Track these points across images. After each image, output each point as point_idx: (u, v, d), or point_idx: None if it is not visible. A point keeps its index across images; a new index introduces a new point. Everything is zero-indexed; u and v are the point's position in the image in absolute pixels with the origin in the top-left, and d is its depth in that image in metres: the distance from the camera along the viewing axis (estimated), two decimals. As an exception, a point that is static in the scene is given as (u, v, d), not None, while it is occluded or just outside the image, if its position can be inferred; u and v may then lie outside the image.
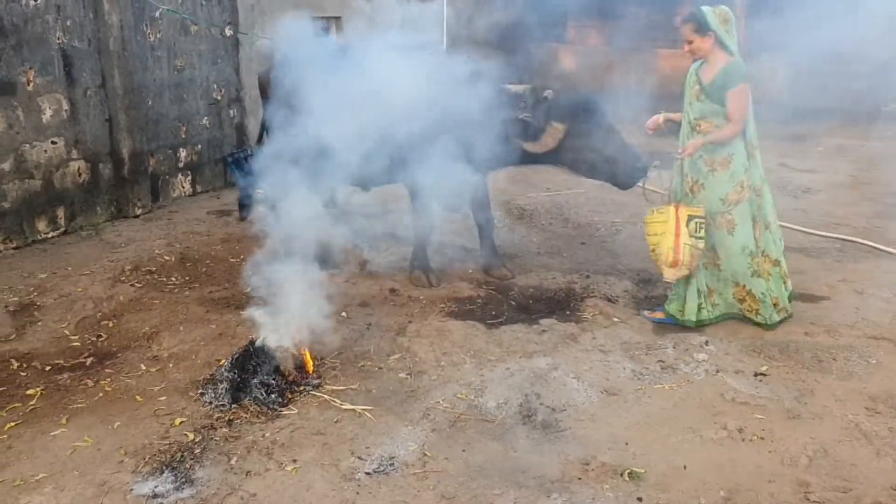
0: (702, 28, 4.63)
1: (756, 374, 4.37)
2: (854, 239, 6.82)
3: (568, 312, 5.26)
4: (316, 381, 4.22)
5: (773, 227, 4.97)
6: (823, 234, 7.03)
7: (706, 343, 4.74)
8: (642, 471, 3.48)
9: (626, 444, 3.70)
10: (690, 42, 4.70)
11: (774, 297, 4.92)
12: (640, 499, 3.29)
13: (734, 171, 4.76)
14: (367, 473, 3.44)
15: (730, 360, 4.55)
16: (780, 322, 4.95)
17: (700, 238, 4.78)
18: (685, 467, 3.51)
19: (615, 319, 5.12)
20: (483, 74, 5.07)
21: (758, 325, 4.92)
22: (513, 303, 5.47)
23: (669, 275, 4.85)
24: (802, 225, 7.28)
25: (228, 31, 8.41)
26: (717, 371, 4.40)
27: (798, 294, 5.52)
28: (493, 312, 5.29)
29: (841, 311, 5.26)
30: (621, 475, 3.46)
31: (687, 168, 4.89)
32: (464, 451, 3.64)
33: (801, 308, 5.30)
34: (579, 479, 3.43)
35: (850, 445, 3.67)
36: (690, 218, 4.77)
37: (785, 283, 5.05)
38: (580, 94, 5.35)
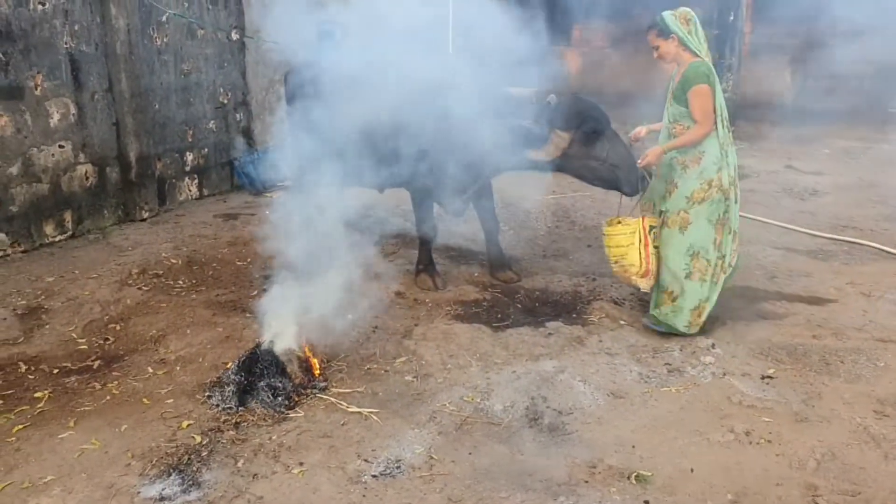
0: (663, 32, 4.66)
1: (763, 377, 4.36)
2: (861, 241, 6.80)
3: (574, 315, 5.26)
4: (322, 384, 4.22)
5: (732, 234, 4.84)
6: (830, 236, 7.01)
7: (713, 346, 4.73)
8: (649, 474, 3.48)
9: (633, 446, 3.69)
10: (657, 48, 4.73)
11: (702, 304, 4.81)
12: (647, 502, 3.28)
13: (704, 168, 4.70)
14: (374, 476, 3.44)
15: (737, 363, 4.54)
16: (685, 332, 4.84)
17: (657, 246, 4.90)
18: (692, 470, 3.50)
19: (622, 322, 5.11)
20: (487, 78, 5.07)
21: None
22: (519, 306, 5.46)
23: (645, 285, 4.93)
24: (809, 227, 7.27)
25: (235, 35, 8.44)
26: (724, 374, 4.39)
27: (805, 297, 5.53)
28: (499, 315, 5.28)
29: (848, 313, 5.25)
30: (628, 478, 3.45)
31: (664, 171, 4.89)
32: (470, 453, 3.64)
33: (808, 311, 5.30)
34: (586, 482, 3.43)
35: (859, 449, 3.66)
36: (652, 227, 4.88)
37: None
38: (583, 100, 5.30)
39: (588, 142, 5.12)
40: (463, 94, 5.00)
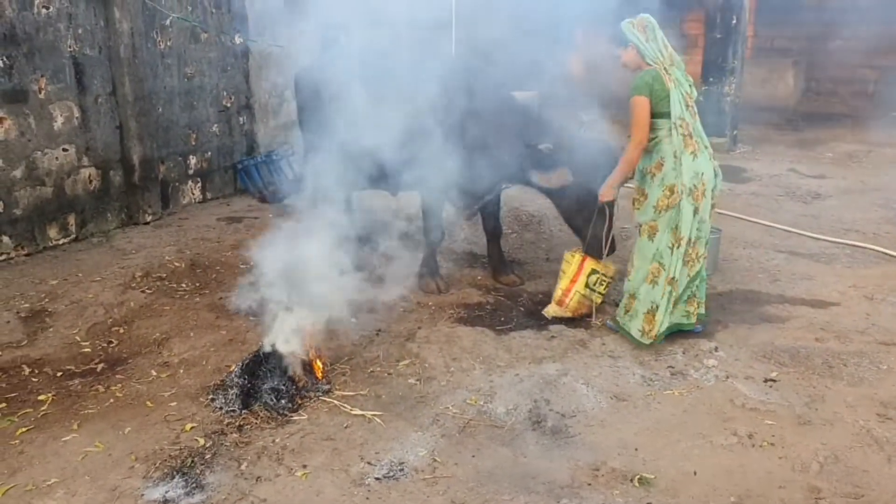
0: (622, 41, 4.66)
1: (766, 380, 4.36)
2: (864, 245, 6.80)
3: (577, 318, 5.25)
4: (326, 387, 4.23)
5: (684, 245, 4.64)
6: (833, 239, 7.00)
7: (716, 349, 4.73)
8: (652, 476, 3.48)
9: (636, 449, 3.70)
10: (619, 57, 4.72)
11: (652, 309, 4.72)
12: (650, 505, 3.29)
13: (665, 175, 4.61)
14: (377, 479, 3.45)
15: (739, 365, 4.54)
16: (639, 340, 4.76)
17: (597, 293, 5.15)
18: (695, 473, 3.50)
19: (624, 325, 5.11)
20: (502, 86, 5.09)
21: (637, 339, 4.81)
22: (522, 309, 5.47)
23: (551, 311, 5.18)
24: (812, 231, 7.26)
25: (238, 39, 8.45)
26: (727, 377, 4.39)
27: (808, 300, 5.53)
28: (503, 318, 5.29)
29: (851, 316, 5.25)
30: (631, 481, 3.45)
31: (638, 181, 4.82)
32: (473, 456, 3.64)
33: (811, 314, 5.29)
34: (589, 484, 3.43)
35: (862, 451, 3.66)
36: (594, 272, 5.09)
37: (672, 310, 4.76)
38: (606, 146, 5.11)
39: (587, 193, 5.07)
40: (487, 102, 5.06)
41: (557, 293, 5.18)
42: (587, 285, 5.10)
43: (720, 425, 3.90)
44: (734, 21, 11.03)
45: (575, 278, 5.11)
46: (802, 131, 12.85)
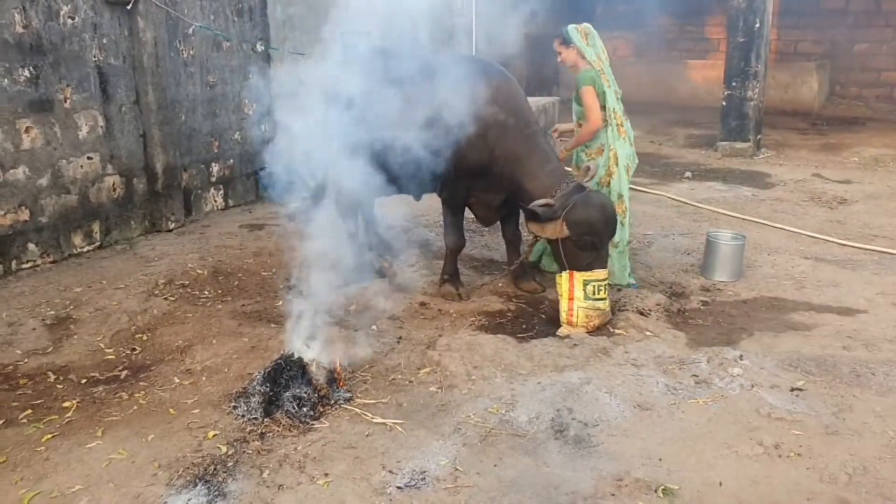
0: (565, 41, 5.60)
1: (792, 389, 4.29)
2: (892, 251, 6.70)
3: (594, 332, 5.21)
4: (347, 395, 4.22)
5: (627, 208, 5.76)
6: (860, 245, 6.91)
7: (741, 357, 4.67)
8: (676, 487, 3.43)
9: (660, 459, 3.65)
10: (559, 53, 5.67)
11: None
12: (674, 516, 3.25)
13: (605, 158, 5.68)
14: (399, 488, 3.43)
15: (765, 374, 4.48)
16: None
17: (600, 299, 5.08)
18: (720, 483, 3.46)
19: (648, 333, 5.06)
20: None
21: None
22: (543, 316, 5.44)
23: (564, 330, 5.10)
24: (838, 237, 7.17)
25: (260, 47, 8.51)
26: (753, 386, 4.33)
27: (835, 307, 5.46)
28: (524, 326, 5.26)
29: (880, 324, 5.17)
30: (655, 491, 3.41)
31: (578, 161, 5.91)
32: (495, 465, 3.62)
33: (838, 322, 5.22)
34: (612, 494, 3.39)
35: (891, 462, 3.59)
36: (587, 282, 5.04)
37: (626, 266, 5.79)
38: (604, 210, 5.01)
39: (577, 246, 5.02)
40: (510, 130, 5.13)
41: (562, 315, 5.14)
42: (587, 296, 5.04)
43: (746, 435, 3.84)
44: (757, 24, 10.94)
45: (571, 296, 5.08)
46: (827, 136, 12.73)
